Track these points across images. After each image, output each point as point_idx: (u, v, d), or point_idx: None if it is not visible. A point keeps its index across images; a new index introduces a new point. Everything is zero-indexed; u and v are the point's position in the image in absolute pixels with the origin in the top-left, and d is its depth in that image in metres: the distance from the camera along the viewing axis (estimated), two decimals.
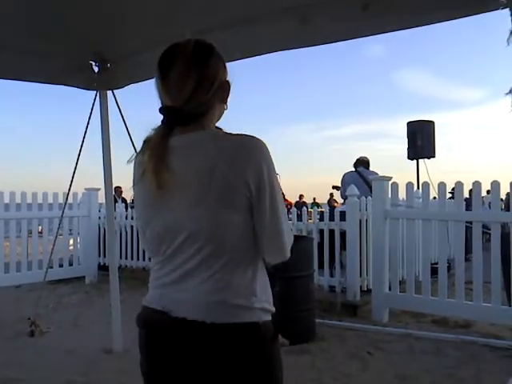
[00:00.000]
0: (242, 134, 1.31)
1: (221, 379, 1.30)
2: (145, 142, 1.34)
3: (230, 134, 1.34)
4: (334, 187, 7.83)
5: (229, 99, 1.41)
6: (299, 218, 6.61)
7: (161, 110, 1.34)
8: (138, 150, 1.37)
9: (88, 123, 4.15)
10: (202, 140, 1.30)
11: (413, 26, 2.66)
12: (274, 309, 1.38)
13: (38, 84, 4.12)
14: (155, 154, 1.29)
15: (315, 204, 18.84)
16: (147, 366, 1.41)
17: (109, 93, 4.13)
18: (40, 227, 7.64)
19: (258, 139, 1.30)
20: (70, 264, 7.68)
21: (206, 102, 1.33)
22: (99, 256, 7.92)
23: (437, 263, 5.30)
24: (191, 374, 1.32)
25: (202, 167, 1.26)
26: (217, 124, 1.42)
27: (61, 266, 7.49)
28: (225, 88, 1.38)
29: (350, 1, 2.54)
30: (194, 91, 1.30)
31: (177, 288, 1.32)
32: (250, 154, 1.26)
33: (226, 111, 1.44)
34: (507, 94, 1.99)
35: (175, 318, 1.29)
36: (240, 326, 1.28)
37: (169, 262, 1.34)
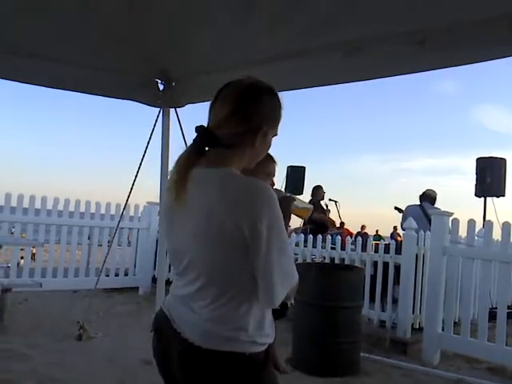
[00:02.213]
0: (248, 179, 1.34)
1: None
2: (180, 155, 1.41)
3: (238, 176, 1.36)
4: (396, 208, 7.61)
5: (261, 146, 1.43)
6: (362, 248, 6.41)
7: (196, 129, 1.41)
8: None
9: (149, 139, 4.29)
10: (213, 179, 1.34)
11: (471, 62, 2.57)
12: (271, 340, 1.42)
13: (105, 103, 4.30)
14: (180, 168, 1.37)
15: (378, 236, 18.39)
16: (156, 361, 1.53)
17: (171, 111, 4.26)
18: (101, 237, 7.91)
19: (261, 185, 1.32)
20: (126, 274, 7.89)
21: (236, 134, 1.38)
22: (154, 268, 8.07)
23: (496, 308, 4.99)
24: (182, 381, 1.42)
25: (205, 205, 1.32)
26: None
27: (117, 275, 7.71)
28: (258, 133, 1.40)
29: (406, 36, 2.49)
30: (226, 118, 1.38)
31: (183, 304, 1.42)
32: (248, 200, 1.29)
33: (257, 158, 1.47)
34: None
35: (175, 329, 1.40)
36: (226, 353, 1.33)
37: (180, 278, 1.46)
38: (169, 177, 1.44)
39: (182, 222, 1.38)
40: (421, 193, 7.13)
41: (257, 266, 1.31)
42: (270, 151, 1.52)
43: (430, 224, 5.74)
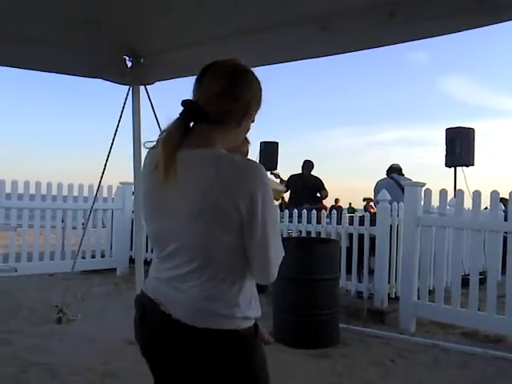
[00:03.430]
0: (241, 159, 1.34)
1: (198, 376, 1.37)
2: (162, 132, 1.39)
3: (232, 156, 1.35)
4: (364, 200, 7.79)
5: (244, 128, 1.46)
6: (337, 221, 6.48)
7: (182, 103, 1.39)
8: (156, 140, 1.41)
9: (120, 117, 4.22)
10: (205, 160, 1.33)
11: (443, 34, 2.59)
12: (258, 314, 1.44)
13: (70, 77, 4.20)
14: (167, 145, 1.33)
15: (351, 209, 18.60)
16: (140, 347, 1.51)
17: (141, 88, 4.19)
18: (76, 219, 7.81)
19: (256, 165, 1.33)
20: (102, 256, 7.84)
21: (227, 112, 1.39)
22: (131, 249, 8.02)
23: (469, 275, 5.13)
24: (173, 366, 1.41)
25: (199, 186, 1.31)
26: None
27: (93, 257, 7.66)
28: (247, 113, 1.43)
29: (377, 8, 2.48)
30: (217, 96, 1.38)
31: (169, 286, 1.40)
32: (244, 181, 1.30)
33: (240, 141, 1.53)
34: None
35: (163, 312, 1.37)
36: (219, 331, 1.34)
37: (164, 261, 1.42)
38: (152, 158, 1.40)
39: (172, 205, 1.35)
40: (387, 167, 7.30)
41: (252, 245, 1.33)
42: None
43: (402, 192, 5.85)
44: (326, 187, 8.38)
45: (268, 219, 1.33)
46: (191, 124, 1.40)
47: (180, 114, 1.38)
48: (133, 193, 7.60)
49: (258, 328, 1.44)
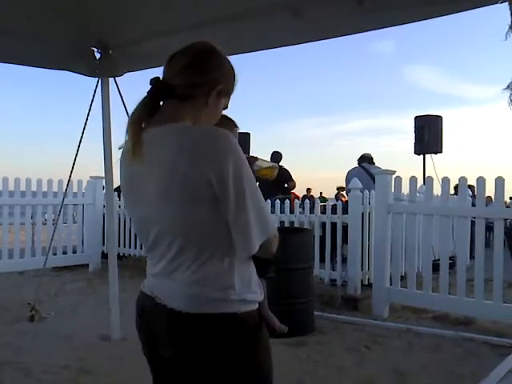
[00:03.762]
0: (205, 128, 1.31)
1: (200, 366, 1.31)
2: (131, 114, 1.36)
3: (196, 127, 1.32)
4: (338, 188, 7.86)
5: (213, 107, 1.40)
6: (309, 210, 6.54)
7: (150, 81, 1.37)
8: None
9: (89, 110, 4.15)
10: (167, 135, 1.30)
11: (409, 21, 2.63)
12: (260, 298, 1.38)
13: (39, 70, 4.12)
14: (134, 121, 1.32)
15: (322, 198, 18.76)
16: (142, 346, 1.47)
17: (110, 80, 4.12)
18: (46, 215, 7.67)
19: (221, 131, 1.28)
20: (74, 251, 7.73)
21: (190, 85, 1.36)
22: (103, 244, 7.93)
23: (439, 260, 5.25)
24: (174, 358, 1.35)
25: (164, 164, 1.28)
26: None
27: (64, 253, 7.54)
28: (213, 89, 1.38)
29: None
30: (182, 68, 1.36)
31: (161, 277, 1.36)
32: (210, 149, 1.24)
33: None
34: (505, 89, 1.95)
35: (158, 303, 1.34)
36: (216, 316, 1.28)
37: (152, 252, 1.39)
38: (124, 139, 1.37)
39: (143, 188, 1.33)
40: (359, 156, 7.38)
41: (228, 214, 1.25)
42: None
43: (373, 181, 5.93)
44: (296, 177, 8.44)
45: (244, 186, 1.25)
46: (161, 103, 1.37)
47: (147, 92, 1.36)
48: (103, 187, 7.54)
49: (266, 315, 1.40)
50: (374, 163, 7.30)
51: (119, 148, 1.44)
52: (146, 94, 1.35)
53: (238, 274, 1.31)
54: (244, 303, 1.32)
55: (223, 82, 1.40)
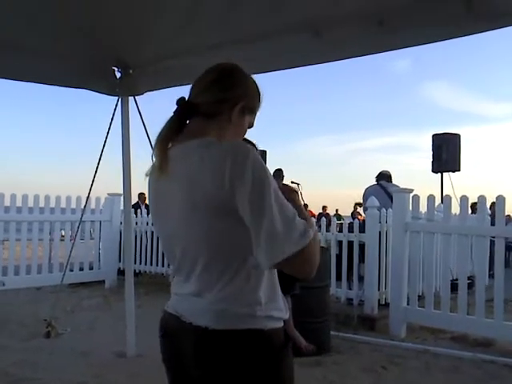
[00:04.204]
0: (228, 142, 1.31)
1: (226, 382, 1.29)
2: (158, 133, 1.39)
3: (220, 141, 1.31)
4: (357, 204, 7.80)
5: (237, 124, 1.41)
6: (325, 228, 6.52)
7: (176, 102, 1.40)
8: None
9: (109, 128, 4.21)
10: (192, 150, 1.31)
11: (429, 42, 2.63)
12: (286, 316, 1.36)
13: (60, 88, 4.19)
14: (161, 140, 1.35)
15: (338, 215, 18.67)
16: (166, 367, 1.45)
17: (130, 99, 4.18)
18: (63, 231, 7.75)
19: (243, 145, 1.27)
20: (91, 268, 7.78)
21: (213, 103, 1.38)
22: (119, 261, 7.98)
23: (457, 279, 5.18)
24: (201, 376, 1.32)
25: (188, 178, 1.28)
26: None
27: (81, 269, 7.60)
28: (236, 106, 1.39)
29: (365, 16, 2.52)
30: (207, 85, 1.40)
31: (188, 298, 1.35)
32: (232, 161, 1.22)
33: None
34: None
35: (184, 321, 1.33)
36: (243, 332, 1.27)
37: (179, 271, 1.39)
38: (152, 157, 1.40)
39: (169, 205, 1.34)
40: (377, 174, 7.33)
41: (251, 226, 1.21)
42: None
43: (391, 200, 5.89)
44: (312, 195, 8.45)
45: (266, 199, 1.20)
46: (187, 121, 1.40)
47: (174, 112, 1.39)
48: (123, 205, 7.60)
49: (292, 334, 1.38)
50: (391, 181, 7.25)
51: (146, 175, 1.46)
52: (172, 114, 1.39)
53: (264, 290, 1.29)
54: (270, 320, 1.30)
55: (247, 99, 1.42)
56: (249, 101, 1.43)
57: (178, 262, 1.37)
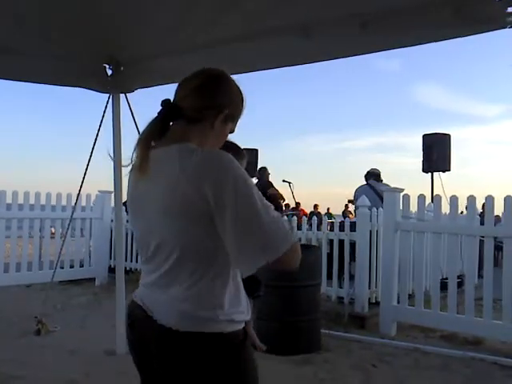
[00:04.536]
0: (208, 150, 1.33)
1: (186, 381, 1.34)
2: (140, 134, 1.41)
3: (199, 149, 1.33)
4: (349, 201, 7.82)
5: (219, 131, 1.44)
6: (316, 227, 6.53)
7: (161, 103, 1.42)
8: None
9: (100, 125, 4.20)
10: (172, 155, 1.33)
11: (413, 44, 2.65)
12: (247, 317, 1.41)
13: (50, 86, 4.17)
14: (143, 141, 1.37)
15: (329, 214, 18.71)
16: (133, 357, 1.49)
17: (121, 96, 4.17)
18: (53, 228, 7.71)
19: (223, 153, 1.30)
20: (81, 265, 7.75)
21: (197, 109, 1.40)
22: (110, 258, 7.96)
23: (447, 278, 5.21)
24: (162, 374, 1.38)
25: (167, 183, 1.31)
26: None
27: (72, 267, 7.57)
28: (220, 113, 1.42)
29: (349, 19, 2.54)
30: (193, 91, 1.41)
31: (154, 289, 1.39)
32: (210, 171, 1.26)
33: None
34: None
35: (150, 317, 1.37)
36: (204, 335, 1.31)
37: (148, 264, 1.42)
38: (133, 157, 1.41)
39: (147, 204, 1.38)
40: (365, 172, 7.36)
41: (225, 233, 1.25)
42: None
43: (380, 199, 5.92)
44: (303, 193, 8.49)
45: (246, 203, 1.24)
46: (171, 123, 1.42)
47: (158, 113, 1.40)
48: (114, 202, 7.57)
49: (249, 332, 1.41)
50: (381, 180, 7.28)
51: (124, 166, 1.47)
52: (156, 114, 1.40)
53: (228, 294, 1.34)
54: (231, 323, 1.35)
55: (231, 108, 1.45)
56: (233, 109, 1.46)
57: (150, 254, 1.39)
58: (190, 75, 1.46)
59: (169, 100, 1.43)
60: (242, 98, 1.49)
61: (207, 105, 1.40)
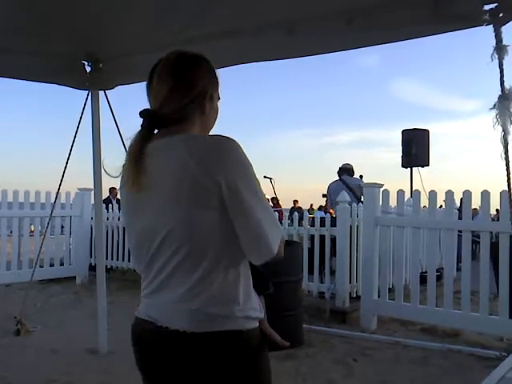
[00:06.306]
0: (214, 135, 1.30)
1: None
2: (128, 147, 1.35)
3: (204, 135, 1.33)
4: (323, 195, 7.87)
5: (210, 111, 1.40)
6: (297, 223, 6.56)
7: (140, 114, 1.35)
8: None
9: (79, 123, 4.15)
10: (175, 143, 1.29)
11: (397, 40, 2.69)
12: (262, 315, 1.35)
13: (28, 83, 4.11)
14: (133, 158, 1.30)
15: (312, 210, 18.75)
16: (142, 375, 1.40)
17: (100, 93, 4.13)
18: (32, 226, 7.62)
19: (229, 139, 1.27)
20: (61, 264, 7.68)
21: (182, 107, 1.34)
22: (91, 256, 7.89)
23: (426, 272, 5.29)
24: (180, 379, 1.30)
25: (173, 169, 1.26)
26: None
27: (52, 265, 7.50)
28: (205, 98, 1.37)
29: (334, 15, 2.55)
30: (167, 95, 1.33)
31: (158, 296, 1.31)
32: (219, 154, 1.24)
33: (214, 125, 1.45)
34: (491, 108, 2.00)
35: (160, 326, 1.28)
36: (222, 334, 1.24)
37: (149, 268, 1.33)
38: (123, 173, 1.36)
39: (150, 205, 1.30)
40: (338, 169, 7.41)
41: (238, 217, 1.23)
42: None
43: (353, 193, 5.97)
44: (284, 189, 8.50)
45: (253, 189, 1.25)
46: (156, 131, 1.36)
47: (141, 126, 1.34)
48: (94, 200, 7.50)
49: (267, 331, 1.37)
50: (353, 174, 7.33)
51: (109, 174, 1.41)
52: (140, 128, 1.33)
53: (242, 288, 1.28)
54: (248, 320, 1.29)
55: (210, 85, 1.40)
56: (213, 84, 1.41)
57: (152, 254, 1.31)
58: (156, 76, 1.36)
59: (148, 110, 1.35)
60: (212, 68, 1.42)
61: (191, 99, 1.34)
